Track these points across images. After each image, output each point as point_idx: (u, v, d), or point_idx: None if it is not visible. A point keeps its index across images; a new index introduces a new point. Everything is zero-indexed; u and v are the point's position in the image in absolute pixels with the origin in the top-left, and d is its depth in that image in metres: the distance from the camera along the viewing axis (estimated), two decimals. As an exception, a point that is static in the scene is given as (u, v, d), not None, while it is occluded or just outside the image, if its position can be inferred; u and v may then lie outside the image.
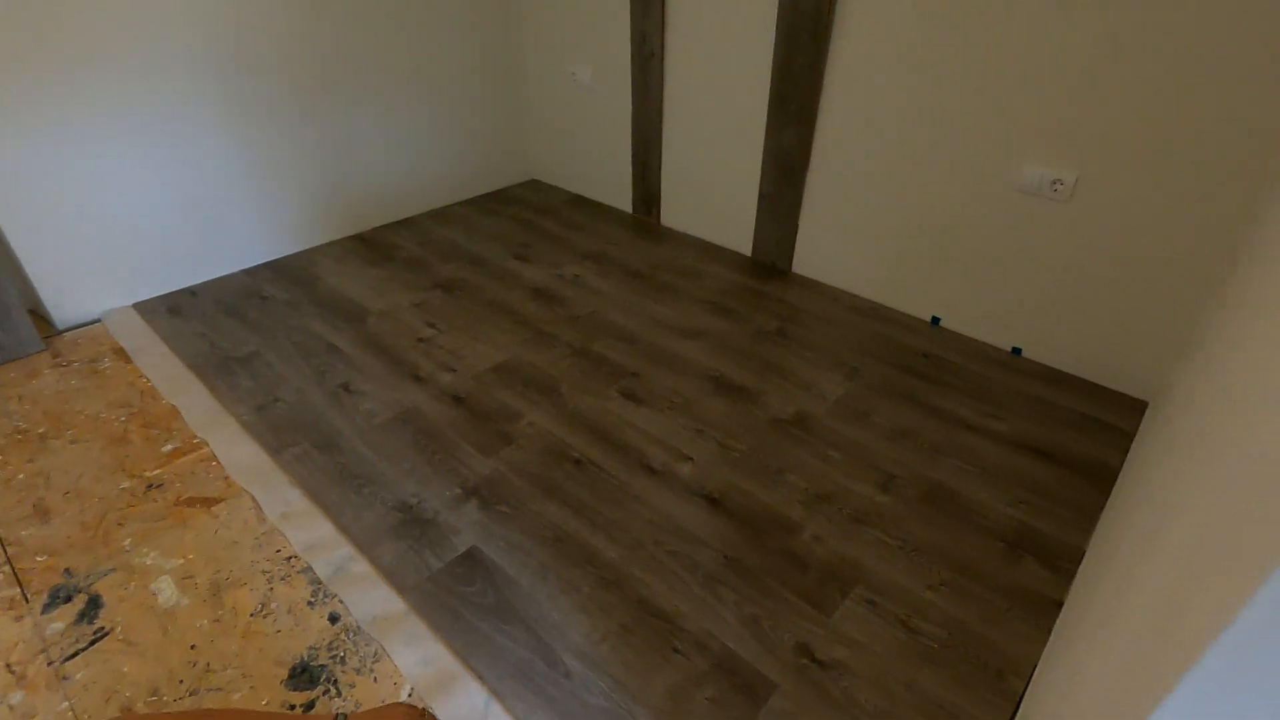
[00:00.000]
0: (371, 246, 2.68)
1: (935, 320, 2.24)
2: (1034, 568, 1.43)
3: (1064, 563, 1.44)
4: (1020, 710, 1.17)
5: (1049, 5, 1.68)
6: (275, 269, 2.50)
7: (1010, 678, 1.23)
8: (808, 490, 1.61)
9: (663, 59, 2.55)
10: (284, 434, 1.76)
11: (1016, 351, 2.10)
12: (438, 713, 1.17)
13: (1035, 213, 1.90)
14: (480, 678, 1.22)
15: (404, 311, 2.27)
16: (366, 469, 1.65)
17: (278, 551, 1.45)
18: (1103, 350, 1.93)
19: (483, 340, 2.13)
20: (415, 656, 1.26)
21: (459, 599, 1.36)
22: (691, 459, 1.70)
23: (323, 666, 1.24)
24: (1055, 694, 0.91)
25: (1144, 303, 1.81)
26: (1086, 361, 1.98)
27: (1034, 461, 1.70)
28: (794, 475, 1.65)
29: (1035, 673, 1.23)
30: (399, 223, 2.87)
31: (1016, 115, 1.83)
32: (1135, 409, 1.88)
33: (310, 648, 1.27)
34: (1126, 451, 1.74)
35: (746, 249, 2.64)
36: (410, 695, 1.20)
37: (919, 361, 2.06)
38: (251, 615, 1.33)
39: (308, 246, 2.65)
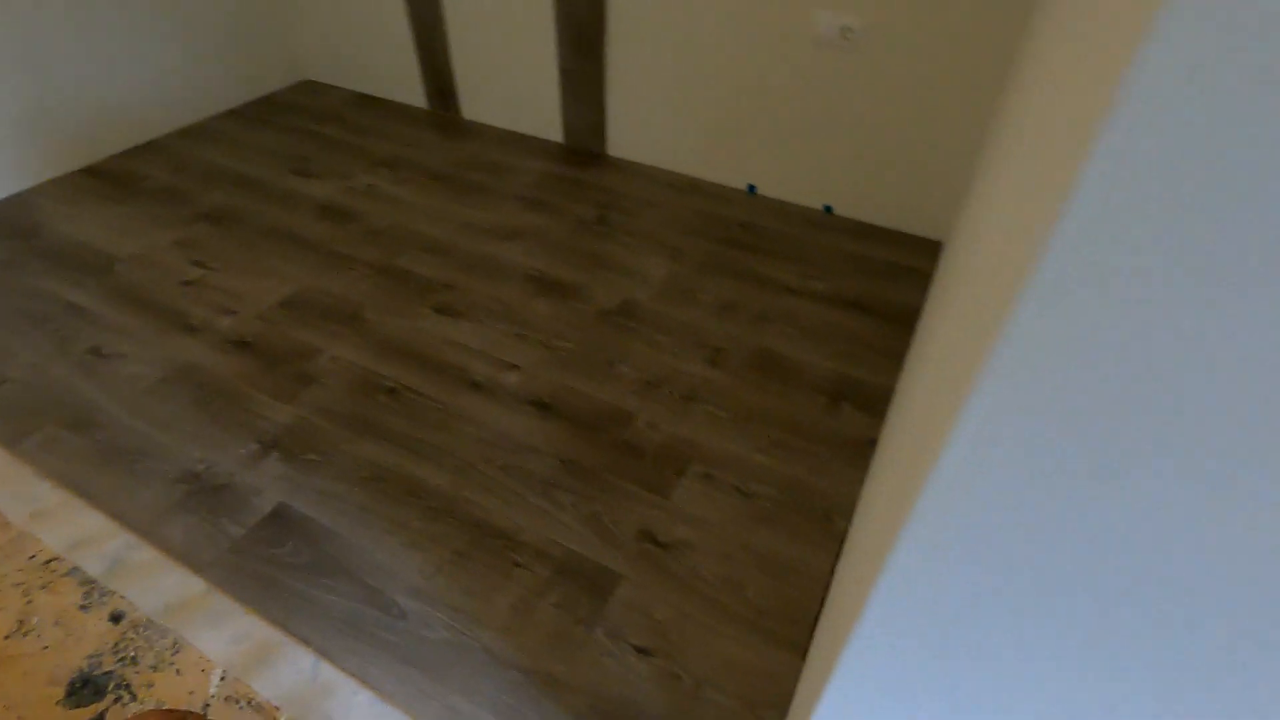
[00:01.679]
0: (108, 179, 2.22)
1: (751, 189, 2.23)
2: (852, 414, 1.50)
3: (878, 404, 1.52)
4: (844, 545, 1.25)
5: None
6: (-22, 222, 2.01)
7: (836, 519, 1.30)
8: (639, 378, 1.58)
9: (426, -81, 2.20)
10: (20, 420, 1.45)
11: (828, 210, 2.14)
12: (260, 687, 1.06)
13: (831, 64, 1.88)
14: (304, 641, 1.11)
15: (162, 252, 1.92)
16: (137, 442, 1.41)
17: (32, 558, 1.22)
18: (903, 198, 2.01)
19: (265, 274, 1.86)
20: (225, 636, 1.12)
21: (270, 563, 1.21)
22: (517, 367, 1.60)
23: (109, 673, 1.08)
24: (860, 520, 0.95)
25: (934, 144, 1.88)
26: (890, 211, 2.05)
27: (849, 315, 1.77)
28: (624, 366, 1.61)
29: (856, 508, 1.30)
30: (141, 147, 2.39)
31: (802, -41, 1.76)
32: (934, 250, 1.99)
33: (90, 656, 1.09)
34: (926, 291, 1.85)
35: (557, 135, 2.46)
36: (223, 678, 1.07)
37: (738, 232, 2.05)
38: (7, 637, 1.12)
39: (19, 189, 2.14)
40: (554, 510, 1.31)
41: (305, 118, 2.61)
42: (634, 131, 2.31)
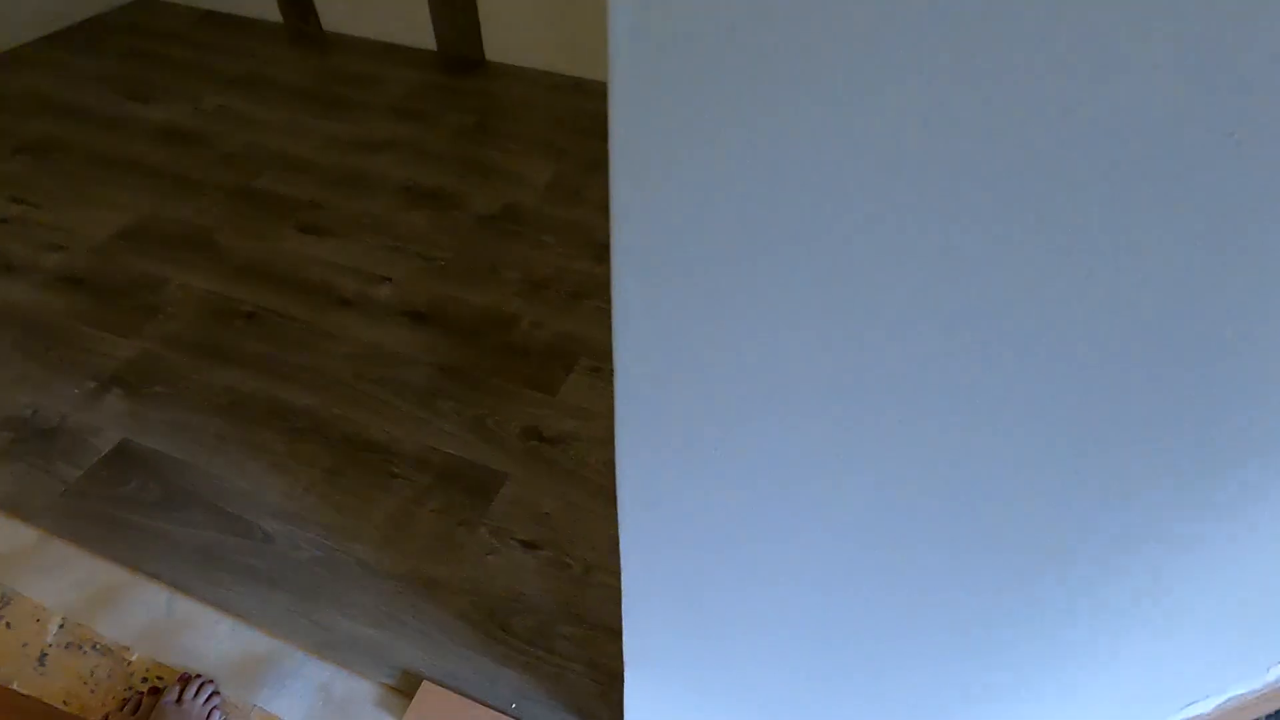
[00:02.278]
0: (-95, 118, 1.93)
1: (640, 86, 2.11)
2: (745, 296, 1.46)
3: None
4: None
5: None
6: None
7: (730, 399, 1.26)
8: (523, 281, 1.49)
9: None
10: None
11: (720, 102, 2.05)
12: (106, 630, 0.96)
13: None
14: (156, 577, 1.02)
15: (-27, 191, 1.69)
16: (-50, 393, 1.25)
17: None
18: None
19: (98, 205, 1.65)
20: (63, 583, 1.01)
21: (113, 503, 1.10)
22: (390, 279, 1.48)
23: (-74, 636, 0.96)
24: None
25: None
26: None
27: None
28: (508, 270, 1.51)
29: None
30: (-56, 80, 2.08)
31: None
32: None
33: (-98, 622, 0.97)
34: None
35: (429, 42, 2.27)
36: (62, 626, 0.97)
37: (628, 130, 1.95)
38: None
39: None
40: (434, 418, 1.22)
41: (142, 39, 2.32)
42: (512, 34, 2.15)
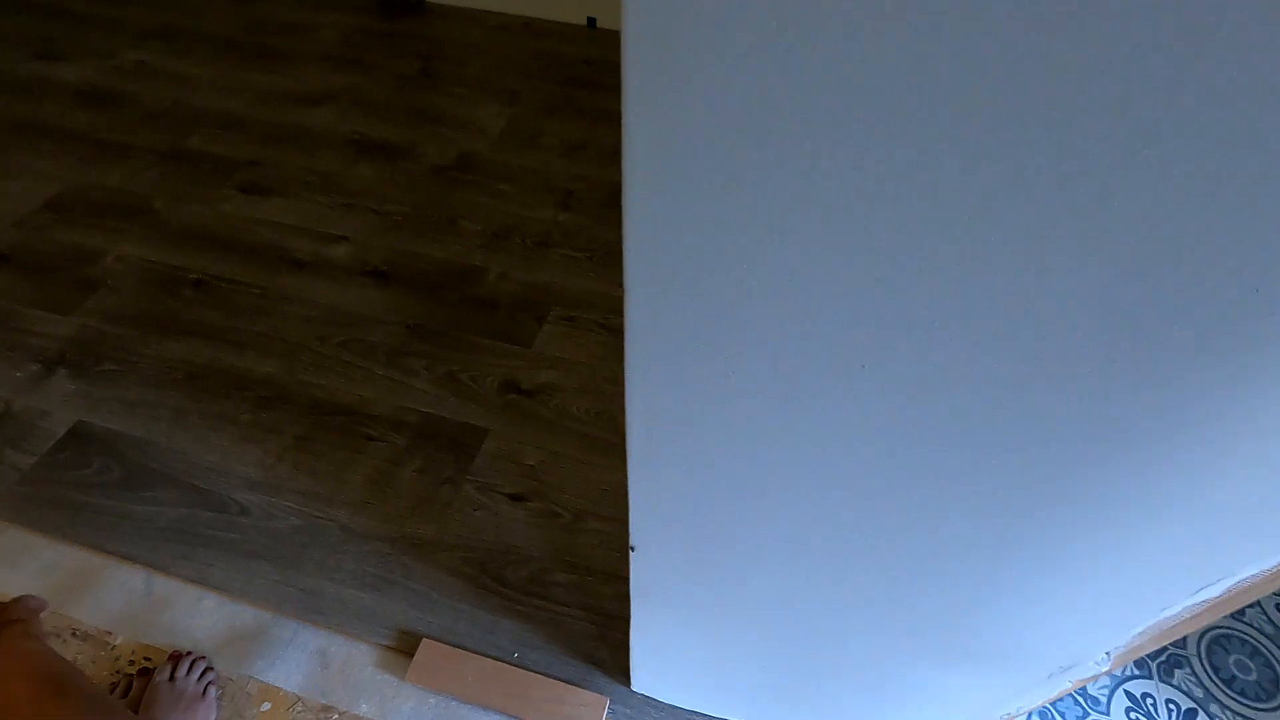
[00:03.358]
0: None
1: (591, 22, 2.03)
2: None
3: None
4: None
5: None
6: None
7: (706, 339, 1.26)
8: (485, 232, 1.44)
9: None
10: None
11: (674, 37, 1.98)
12: (84, 615, 0.93)
13: None
14: (129, 559, 0.98)
15: None
16: (-124, 386, 1.16)
17: None
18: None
19: (17, 175, 1.53)
20: (29, 572, 0.97)
21: (74, 487, 1.05)
22: (346, 238, 1.42)
23: (-114, 638, 0.91)
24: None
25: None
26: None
27: (703, 139, 1.67)
28: (468, 221, 1.46)
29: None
30: None
31: None
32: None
33: None
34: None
35: (363, -15, 2.13)
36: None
37: (582, 70, 1.87)
38: None
39: None
40: (404, 378, 1.19)
41: (42, -9, 2.13)
42: (450, -30, 2.02)
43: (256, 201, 1.49)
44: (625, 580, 0.95)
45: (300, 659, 0.90)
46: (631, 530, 0.53)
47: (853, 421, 0.36)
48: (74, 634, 0.92)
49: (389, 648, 0.91)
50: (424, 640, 0.90)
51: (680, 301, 0.35)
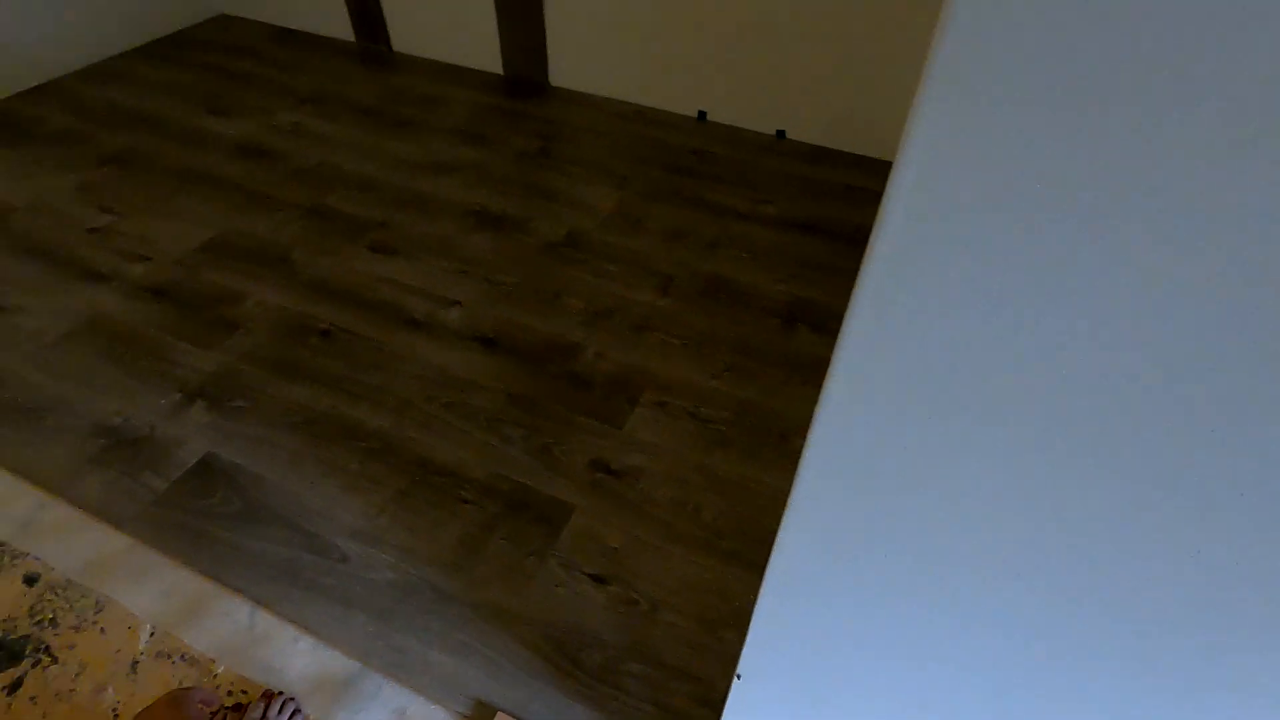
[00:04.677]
0: None
1: (701, 115, 2.14)
2: (807, 335, 1.47)
3: (834, 324, 1.49)
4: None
5: None
6: None
7: (793, 438, 1.27)
8: (587, 309, 1.51)
9: None
10: (-90, 381, 1.33)
11: (781, 135, 2.07)
12: (193, 640, 1.00)
13: (776, -24, 1.79)
14: (238, 591, 1.05)
15: (63, 198, 1.76)
16: (43, 398, 1.30)
17: (-68, 524, 1.12)
18: (855, 120, 1.95)
19: (180, 217, 1.72)
20: (152, 591, 1.05)
21: (198, 515, 1.14)
22: (459, 303, 1.52)
23: (25, 637, 1.00)
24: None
25: (884, 61, 1.81)
26: (843, 134, 1.99)
27: (801, 237, 1.72)
28: (571, 297, 1.54)
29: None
30: (34, 90, 2.18)
31: None
32: (887, 170, 1.95)
33: (3, 621, 1.02)
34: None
35: (496, 66, 2.32)
36: (152, 634, 1.01)
37: (688, 159, 1.97)
38: (-93, 607, 1.03)
39: (-102, 137, 1.94)
40: (501, 445, 1.25)
41: (219, 54, 2.41)
42: (577, 59, 2.19)
43: (382, 260, 1.62)
44: (697, 680, 0.96)
45: (382, 715, 0.94)
46: (742, 660, 0.55)
47: (1000, 628, 0.38)
48: (182, 657, 0.99)
49: (465, 716, 0.94)
50: (499, 714, 0.92)
51: (854, 491, 0.38)
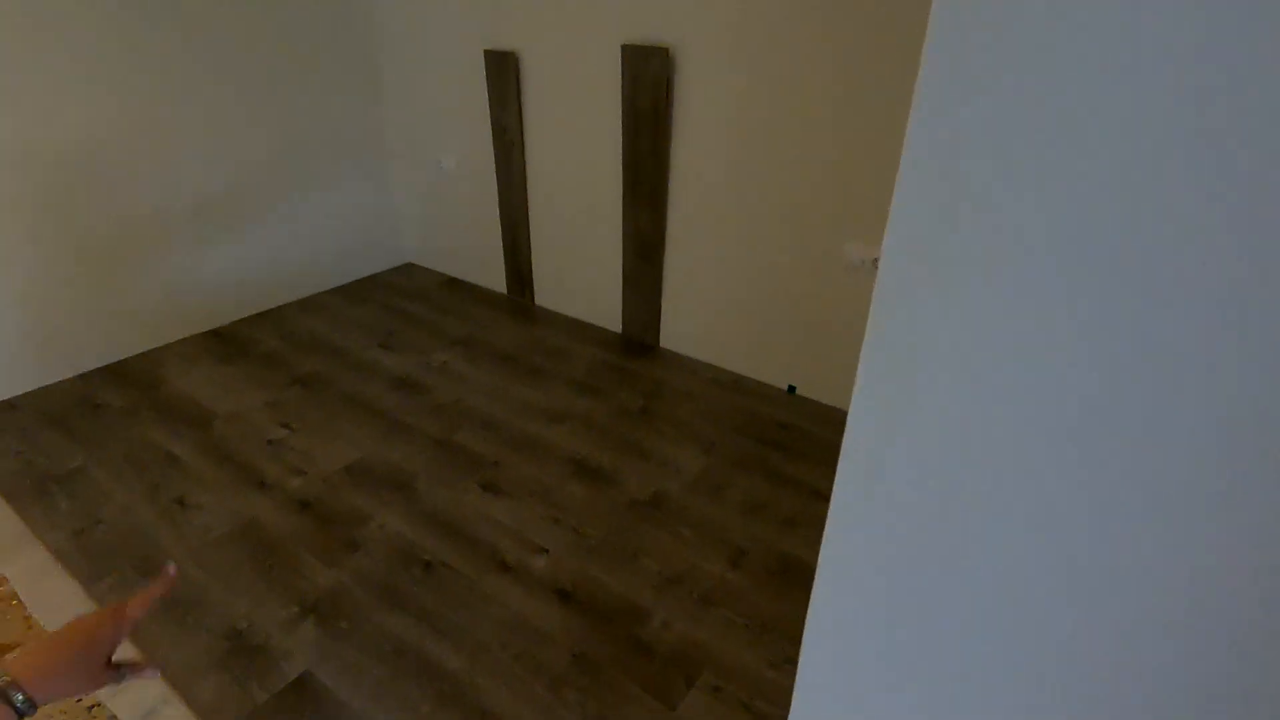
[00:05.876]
0: (227, 342, 2.57)
1: (791, 389, 2.35)
2: (871, 634, 1.48)
3: (900, 626, 1.50)
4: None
5: (851, 100, 1.87)
6: (114, 373, 2.35)
7: (846, 753, 1.25)
8: (660, 573, 1.62)
9: (523, 148, 2.63)
10: (102, 560, 1.62)
11: (864, 415, 2.22)
12: None
13: (865, 285, 2.05)
14: (298, 824, 1.14)
15: (255, 412, 2.17)
16: (194, 592, 1.54)
17: (78, 700, 1.32)
18: (935, 410, 2.07)
19: (337, 437, 2.06)
20: (227, 808, 1.16)
21: (284, 734, 1.27)
22: (546, 551, 1.68)
23: (116, 834, 1.12)
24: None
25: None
26: (924, 421, 2.11)
27: (876, 524, 1.78)
28: (648, 558, 1.66)
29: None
30: (260, 315, 2.77)
31: (834, 202, 2.00)
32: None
33: (103, 813, 1.15)
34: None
35: (617, 326, 2.70)
36: None
37: (775, 431, 2.15)
38: (37, 781, 1.19)
39: (155, 346, 2.51)
40: (559, 708, 1.32)
41: (398, 296, 2.98)
42: (685, 327, 2.52)
43: (489, 499, 1.84)
44: None
45: None
46: None
47: None
48: None
49: None
50: None
51: None
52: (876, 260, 1.97)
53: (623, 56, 2.20)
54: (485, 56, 2.55)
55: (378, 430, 2.10)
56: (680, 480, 1.93)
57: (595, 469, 1.96)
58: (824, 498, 1.88)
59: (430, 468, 1.95)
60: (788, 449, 2.07)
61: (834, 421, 2.20)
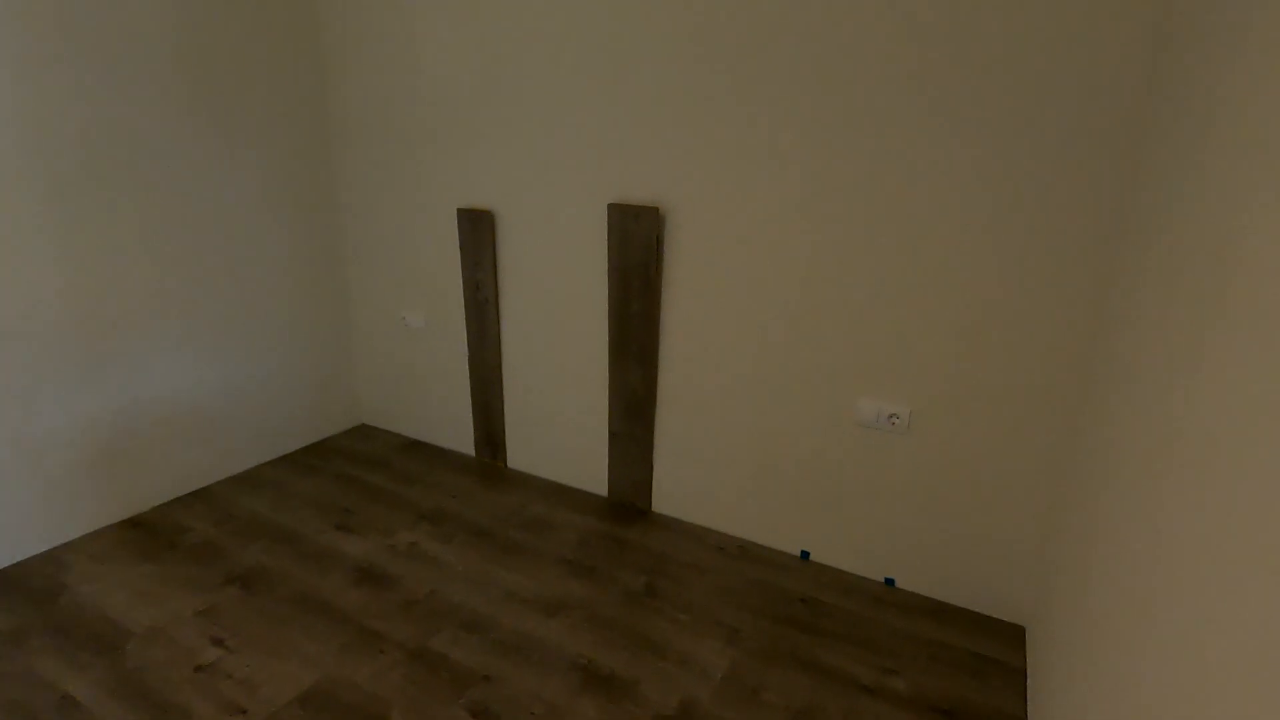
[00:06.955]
0: (149, 532, 2.19)
1: (805, 555, 2.15)
2: None
3: None
4: None
5: (856, 257, 1.83)
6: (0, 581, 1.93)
7: None
8: (709, 824, 1.31)
9: (498, 305, 2.50)
10: None
11: (890, 582, 2.03)
12: None
13: (879, 444, 1.93)
14: None
15: (181, 626, 1.78)
16: None
17: None
18: (974, 575, 1.91)
19: (286, 655, 1.69)
20: None
21: None
22: (563, 802, 1.34)
23: None
24: None
25: (999, 522, 1.83)
26: (960, 588, 1.93)
27: (941, 726, 1.54)
28: (690, 802, 1.35)
29: None
30: (191, 495, 2.40)
31: (844, 357, 1.91)
32: (1016, 637, 1.82)
33: None
34: (1024, 693, 1.64)
35: (602, 489, 2.47)
36: None
37: (798, 609, 1.91)
38: None
39: (57, 544, 2.10)
40: None
41: (354, 464, 2.67)
42: (680, 490, 2.32)
43: (483, 730, 1.50)
44: None
45: None
46: None
47: None
48: None
49: None
50: None
51: None
52: (896, 416, 1.87)
53: (609, 215, 2.15)
54: (459, 214, 2.46)
55: (338, 641, 1.75)
56: (708, 684, 1.64)
57: (607, 676, 1.66)
58: (871, 691, 1.64)
59: (407, 691, 1.60)
60: (817, 631, 1.83)
61: (859, 592, 1.99)
